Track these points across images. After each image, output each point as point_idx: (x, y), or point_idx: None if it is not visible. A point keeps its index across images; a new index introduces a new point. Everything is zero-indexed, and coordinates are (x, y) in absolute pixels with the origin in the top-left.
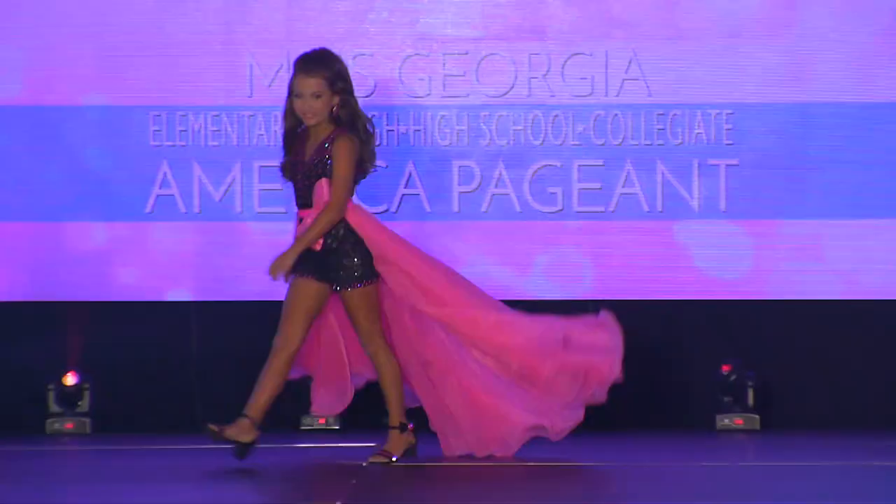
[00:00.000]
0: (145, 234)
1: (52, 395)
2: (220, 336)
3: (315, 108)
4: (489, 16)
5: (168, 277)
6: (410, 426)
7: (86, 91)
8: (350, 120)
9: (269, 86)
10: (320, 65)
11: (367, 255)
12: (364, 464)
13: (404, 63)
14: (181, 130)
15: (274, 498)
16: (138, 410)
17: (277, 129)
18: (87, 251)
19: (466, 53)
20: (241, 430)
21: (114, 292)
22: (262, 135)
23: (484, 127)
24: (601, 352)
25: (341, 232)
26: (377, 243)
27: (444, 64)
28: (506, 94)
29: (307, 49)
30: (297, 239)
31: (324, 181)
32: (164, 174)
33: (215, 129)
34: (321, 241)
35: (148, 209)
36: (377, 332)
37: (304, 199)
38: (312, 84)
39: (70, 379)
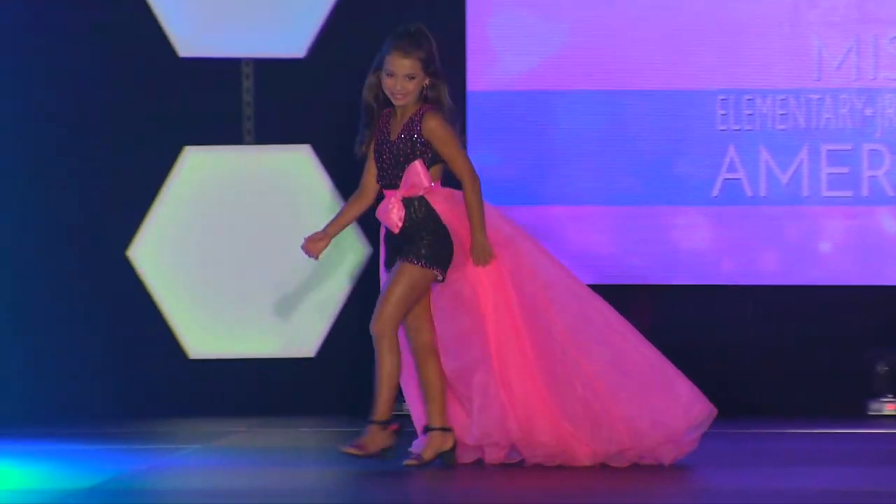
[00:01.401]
0: (711, 218)
1: None
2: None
3: (407, 90)
4: None
5: (728, 259)
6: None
7: (650, 76)
8: (435, 102)
9: (838, 68)
10: (417, 46)
11: (440, 248)
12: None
13: None
14: (748, 114)
15: (836, 481)
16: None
17: (841, 111)
18: (655, 235)
19: None
20: (442, 442)
21: (680, 276)
22: (829, 118)
23: None
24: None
25: (420, 215)
26: (460, 237)
27: None
28: None
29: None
30: (473, 227)
31: (417, 164)
32: (731, 158)
33: (782, 112)
34: (401, 223)
35: (714, 193)
36: (397, 319)
37: (389, 180)
38: (408, 65)
39: None
